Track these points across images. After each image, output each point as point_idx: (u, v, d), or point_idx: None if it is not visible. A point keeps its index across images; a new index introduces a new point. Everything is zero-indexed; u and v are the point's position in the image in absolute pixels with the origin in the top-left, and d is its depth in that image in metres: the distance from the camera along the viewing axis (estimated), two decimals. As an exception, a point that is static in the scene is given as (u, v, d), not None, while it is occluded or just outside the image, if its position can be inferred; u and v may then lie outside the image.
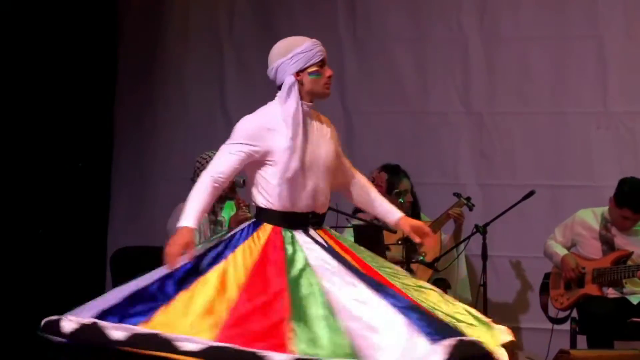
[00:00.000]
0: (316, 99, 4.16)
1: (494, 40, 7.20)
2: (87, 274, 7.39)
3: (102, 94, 7.67)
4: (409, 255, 5.96)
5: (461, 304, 4.23)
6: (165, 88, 7.76)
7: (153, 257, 6.00)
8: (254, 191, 4.15)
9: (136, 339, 3.69)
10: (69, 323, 3.84)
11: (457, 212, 6.39)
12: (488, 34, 7.21)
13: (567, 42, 7.05)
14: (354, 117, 7.44)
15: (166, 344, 3.66)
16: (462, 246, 6.38)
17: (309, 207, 4.12)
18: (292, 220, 4.09)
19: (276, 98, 4.13)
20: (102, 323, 3.77)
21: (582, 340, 6.22)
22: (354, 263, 4.06)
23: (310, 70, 4.10)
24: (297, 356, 3.60)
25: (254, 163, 4.09)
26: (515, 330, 6.93)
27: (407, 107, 7.33)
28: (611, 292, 6.19)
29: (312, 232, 4.11)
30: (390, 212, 4.41)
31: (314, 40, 4.15)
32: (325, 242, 4.10)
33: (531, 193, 6.29)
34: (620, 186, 6.19)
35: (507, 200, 6.37)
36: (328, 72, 4.16)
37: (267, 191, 4.09)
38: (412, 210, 6.36)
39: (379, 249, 5.84)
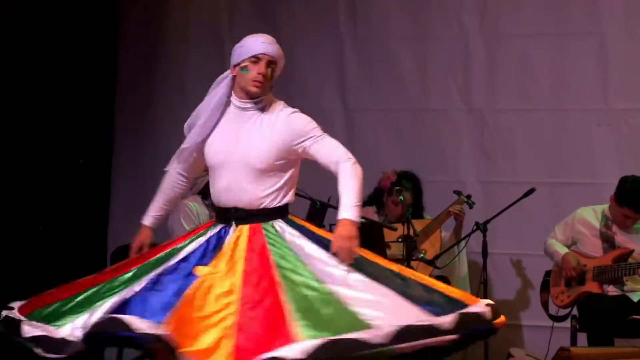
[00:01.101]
0: (252, 96, 4.16)
1: (495, 38, 7.20)
2: (87, 272, 7.34)
3: (102, 92, 7.67)
4: (410, 253, 5.95)
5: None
6: (166, 86, 7.76)
7: (153, 254, 6.03)
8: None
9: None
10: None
11: (457, 209, 6.40)
12: (489, 32, 7.21)
13: (567, 39, 7.05)
14: (355, 115, 7.44)
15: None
16: (462, 244, 6.38)
17: (230, 202, 4.12)
18: (218, 213, 4.20)
19: None
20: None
21: (582, 337, 6.21)
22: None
23: (242, 65, 4.13)
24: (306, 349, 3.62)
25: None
26: (516, 327, 6.98)
27: (408, 105, 7.32)
28: (612, 290, 6.19)
29: (232, 227, 4.11)
30: (341, 207, 4.14)
31: (262, 36, 4.18)
32: (229, 240, 4.10)
33: (531, 190, 6.29)
34: (621, 185, 6.18)
35: (508, 198, 6.38)
36: (260, 68, 4.12)
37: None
38: (413, 210, 6.34)
39: (379, 246, 5.84)
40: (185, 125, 4.30)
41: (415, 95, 7.36)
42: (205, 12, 7.76)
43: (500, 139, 7.20)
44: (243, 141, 4.11)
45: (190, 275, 3.96)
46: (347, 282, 3.91)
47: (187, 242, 4.17)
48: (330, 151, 4.14)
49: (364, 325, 3.71)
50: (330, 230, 5.60)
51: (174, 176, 4.42)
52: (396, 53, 7.39)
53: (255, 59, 4.11)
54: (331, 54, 7.47)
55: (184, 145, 4.25)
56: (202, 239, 4.13)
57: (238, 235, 4.07)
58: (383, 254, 5.89)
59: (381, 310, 3.79)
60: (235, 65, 4.15)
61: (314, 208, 5.65)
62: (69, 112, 7.34)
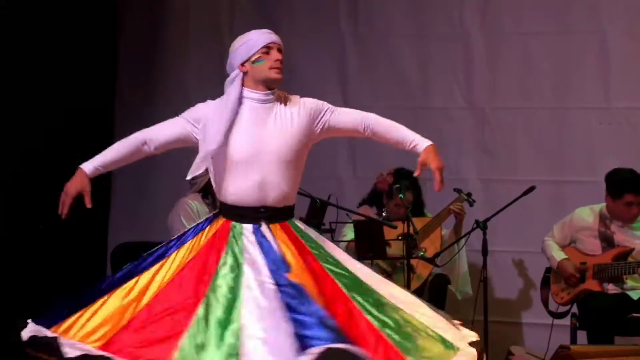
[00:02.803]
0: (271, 85, 4.13)
1: (496, 36, 7.20)
2: (87, 270, 7.39)
3: (102, 90, 7.67)
4: (410, 251, 5.95)
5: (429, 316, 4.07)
6: (166, 84, 7.77)
7: (154, 252, 6.04)
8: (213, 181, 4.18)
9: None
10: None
11: (458, 207, 6.39)
12: (490, 30, 7.21)
13: (569, 37, 7.05)
14: (356, 112, 7.44)
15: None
16: (462, 242, 6.38)
17: (257, 201, 4.04)
18: (240, 214, 4.05)
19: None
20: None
21: (582, 335, 6.21)
22: (294, 266, 3.96)
23: (253, 58, 4.11)
24: None
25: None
26: (516, 325, 6.98)
27: (409, 103, 7.32)
28: (611, 288, 6.19)
29: (264, 227, 4.03)
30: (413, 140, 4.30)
31: (260, 30, 4.17)
32: (275, 240, 4.02)
33: (531, 188, 6.28)
34: (612, 178, 6.19)
35: (509, 196, 6.37)
36: (275, 56, 4.12)
37: (216, 183, 4.12)
38: (413, 208, 6.34)
39: (379, 244, 5.85)
40: (183, 119, 4.20)
41: (417, 93, 7.36)
42: (206, 10, 7.76)
43: (501, 137, 7.20)
44: (272, 134, 4.06)
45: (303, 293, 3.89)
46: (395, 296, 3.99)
47: (224, 272, 3.94)
48: (351, 114, 4.29)
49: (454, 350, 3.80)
50: (331, 230, 5.67)
51: (140, 146, 4.34)
52: (397, 51, 7.39)
53: (266, 48, 4.11)
54: (332, 52, 7.48)
55: (211, 147, 4.04)
56: (243, 255, 3.98)
57: (276, 234, 4.04)
58: (383, 252, 5.91)
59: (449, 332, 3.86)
60: (243, 62, 4.13)
61: (314, 206, 5.65)
62: (68, 111, 7.33)
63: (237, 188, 4.04)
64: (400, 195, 6.16)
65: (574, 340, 6.22)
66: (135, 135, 4.25)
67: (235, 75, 4.13)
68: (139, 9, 7.85)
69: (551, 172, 7.03)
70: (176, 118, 4.19)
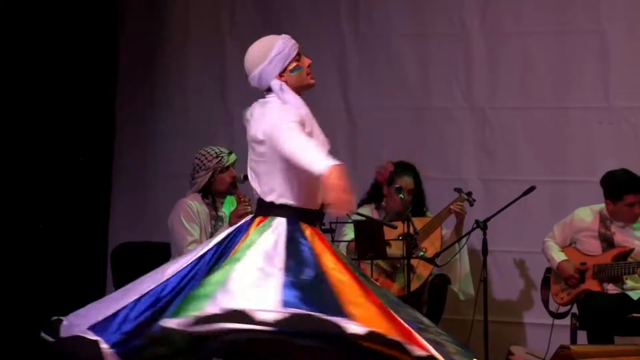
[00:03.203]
0: (305, 91, 4.16)
1: (496, 36, 7.20)
2: (87, 270, 7.40)
3: (103, 89, 7.67)
4: (410, 251, 5.95)
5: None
6: (166, 83, 7.76)
7: (154, 252, 6.07)
8: (287, 186, 4.05)
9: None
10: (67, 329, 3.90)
11: (458, 207, 6.39)
12: (490, 29, 7.20)
13: (569, 37, 7.04)
14: (356, 112, 7.44)
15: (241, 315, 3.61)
16: (462, 242, 6.38)
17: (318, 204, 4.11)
18: (312, 218, 4.10)
19: (273, 100, 4.08)
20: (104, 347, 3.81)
21: (582, 335, 6.21)
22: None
23: (290, 67, 4.11)
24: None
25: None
26: (516, 325, 6.99)
27: (409, 103, 7.32)
28: (611, 288, 6.19)
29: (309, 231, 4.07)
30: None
31: (283, 36, 4.14)
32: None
33: (531, 188, 6.28)
34: (609, 180, 6.20)
35: (510, 196, 6.37)
36: (306, 61, 4.16)
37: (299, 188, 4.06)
38: (414, 207, 6.34)
39: (380, 244, 5.84)
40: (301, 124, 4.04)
41: (417, 93, 7.35)
42: (206, 9, 7.76)
43: (501, 136, 7.20)
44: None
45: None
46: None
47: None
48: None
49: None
50: (331, 230, 5.67)
51: None
52: (398, 51, 7.38)
53: (298, 56, 4.14)
54: (332, 51, 7.47)
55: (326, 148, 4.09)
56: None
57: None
58: (383, 252, 5.91)
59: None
60: (282, 72, 4.10)
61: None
62: (69, 110, 7.34)
63: (309, 189, 4.03)
64: (401, 195, 6.16)
65: (574, 340, 6.22)
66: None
67: (280, 85, 4.07)
68: (139, 9, 7.84)
69: (551, 171, 7.02)
70: (297, 124, 3.97)
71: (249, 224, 4.07)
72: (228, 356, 3.72)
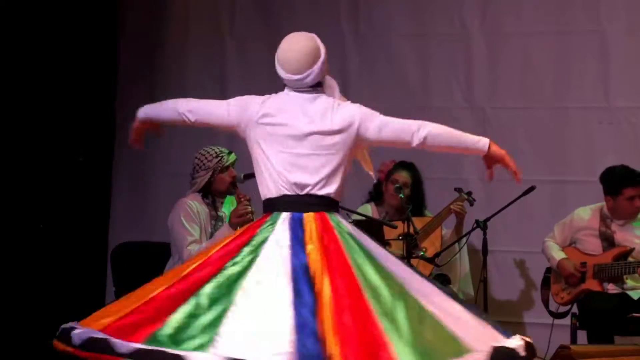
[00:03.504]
0: None
1: (496, 36, 7.20)
2: (87, 269, 7.40)
3: (103, 88, 7.67)
4: (410, 251, 5.95)
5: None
6: (166, 82, 7.76)
7: (154, 252, 6.07)
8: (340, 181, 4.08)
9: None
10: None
11: (458, 207, 6.40)
12: (490, 29, 7.21)
13: (569, 37, 7.05)
14: (356, 112, 7.44)
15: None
16: (462, 241, 6.39)
17: None
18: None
19: (325, 96, 4.12)
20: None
21: (582, 335, 6.22)
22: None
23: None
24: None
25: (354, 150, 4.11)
26: (516, 325, 6.97)
27: (410, 102, 7.31)
28: (611, 288, 6.19)
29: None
30: None
31: (314, 36, 4.16)
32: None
33: (532, 188, 6.29)
34: (606, 178, 6.22)
35: (510, 196, 6.36)
36: None
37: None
38: (413, 207, 6.34)
39: (380, 244, 5.84)
40: None
41: (417, 93, 7.36)
42: (206, 9, 7.77)
43: (501, 136, 7.14)
44: None
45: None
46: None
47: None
48: None
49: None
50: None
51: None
52: (398, 51, 7.39)
53: None
54: (332, 51, 7.34)
55: None
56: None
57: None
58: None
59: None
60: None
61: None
62: (69, 110, 7.34)
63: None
64: (401, 194, 6.17)
65: (574, 340, 6.23)
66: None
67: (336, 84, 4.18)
68: (139, 9, 7.84)
69: (551, 171, 7.03)
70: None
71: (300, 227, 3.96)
72: None
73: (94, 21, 7.48)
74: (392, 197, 6.43)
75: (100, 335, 3.65)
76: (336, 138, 4.04)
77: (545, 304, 6.46)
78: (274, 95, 4.14)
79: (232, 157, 5.76)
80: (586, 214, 6.34)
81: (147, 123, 4.52)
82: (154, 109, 4.58)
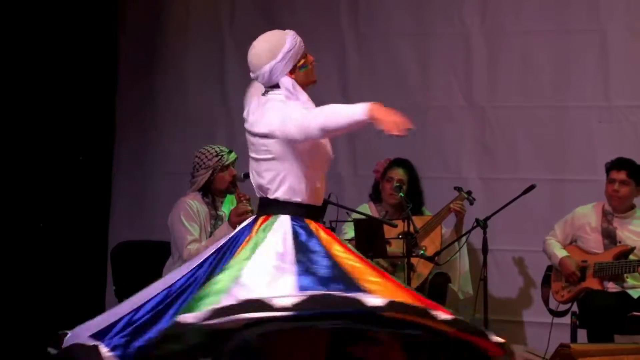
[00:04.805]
0: (308, 87, 4.16)
1: (496, 34, 7.20)
2: (88, 269, 7.40)
3: (103, 88, 7.67)
4: (410, 250, 5.96)
5: None
6: (166, 82, 7.76)
7: (154, 251, 6.08)
8: (293, 183, 4.04)
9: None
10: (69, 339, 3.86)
11: (458, 206, 6.40)
12: (490, 28, 7.20)
13: (569, 36, 7.04)
14: (356, 111, 7.43)
15: (259, 304, 3.56)
16: (462, 240, 6.39)
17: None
18: (316, 214, 4.12)
19: (276, 97, 4.04)
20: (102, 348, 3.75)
21: (582, 334, 6.22)
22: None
23: (299, 64, 4.09)
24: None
25: (298, 152, 3.99)
26: (516, 324, 6.98)
27: (409, 101, 7.29)
28: (612, 287, 6.19)
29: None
30: None
31: (289, 32, 4.11)
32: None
33: (531, 187, 6.30)
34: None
35: (510, 194, 6.38)
36: (310, 58, 4.15)
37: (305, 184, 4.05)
38: (413, 203, 6.33)
39: (379, 243, 5.85)
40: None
41: (417, 91, 7.35)
42: (206, 7, 7.76)
43: (501, 135, 7.20)
44: None
45: None
46: None
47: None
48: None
49: None
50: (332, 228, 5.67)
51: None
52: (397, 49, 7.38)
53: (305, 53, 4.13)
54: (332, 50, 7.47)
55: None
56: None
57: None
58: (383, 251, 5.92)
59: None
60: (292, 71, 4.08)
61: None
62: (69, 109, 7.34)
63: (316, 187, 4.06)
64: (401, 194, 6.17)
65: (574, 338, 6.23)
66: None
67: (292, 83, 4.04)
68: (139, 8, 7.84)
69: (551, 170, 7.02)
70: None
71: (251, 225, 4.03)
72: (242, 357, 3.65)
73: (94, 20, 7.47)
74: (390, 196, 6.45)
75: None
76: (268, 143, 4.00)
77: (546, 302, 6.46)
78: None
79: (232, 156, 5.76)
80: (587, 210, 6.36)
81: None
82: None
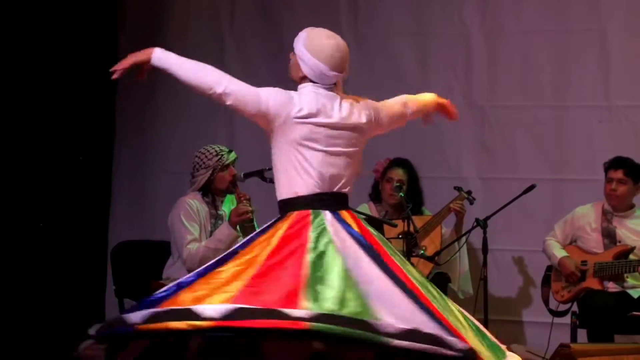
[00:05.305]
0: None
1: (496, 34, 7.20)
2: (88, 268, 7.40)
3: (102, 87, 7.65)
4: (410, 249, 5.95)
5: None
6: (166, 81, 7.73)
7: (154, 251, 6.07)
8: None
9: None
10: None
11: (458, 205, 6.40)
12: (490, 28, 7.21)
13: (569, 35, 7.05)
14: (356, 111, 7.44)
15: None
16: (462, 240, 6.39)
17: None
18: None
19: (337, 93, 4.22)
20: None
21: (582, 334, 6.22)
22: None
23: None
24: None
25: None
26: (516, 324, 6.98)
27: (409, 101, 7.31)
28: (612, 286, 6.20)
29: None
30: None
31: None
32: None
33: (531, 187, 6.30)
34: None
35: (509, 194, 6.38)
36: None
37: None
38: (413, 202, 6.33)
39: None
40: None
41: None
42: (206, 7, 7.76)
43: (501, 135, 7.20)
44: None
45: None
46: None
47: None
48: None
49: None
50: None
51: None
52: (397, 49, 7.39)
53: None
54: (332, 49, 7.46)
55: None
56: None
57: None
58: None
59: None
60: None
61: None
62: (69, 109, 7.34)
63: None
64: (401, 194, 6.17)
65: (574, 338, 6.23)
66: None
67: None
68: (139, 8, 7.84)
69: (551, 170, 7.03)
70: None
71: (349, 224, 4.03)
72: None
73: (94, 20, 7.47)
74: (390, 196, 6.46)
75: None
76: (357, 134, 4.11)
77: (546, 302, 6.46)
78: (302, 91, 4.16)
79: (232, 155, 5.76)
80: (587, 210, 6.36)
81: (152, 69, 4.32)
82: (179, 66, 4.42)
